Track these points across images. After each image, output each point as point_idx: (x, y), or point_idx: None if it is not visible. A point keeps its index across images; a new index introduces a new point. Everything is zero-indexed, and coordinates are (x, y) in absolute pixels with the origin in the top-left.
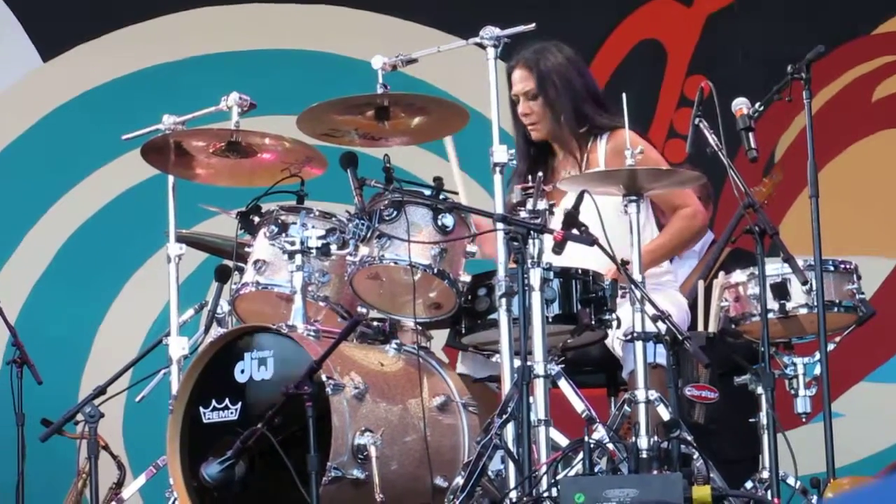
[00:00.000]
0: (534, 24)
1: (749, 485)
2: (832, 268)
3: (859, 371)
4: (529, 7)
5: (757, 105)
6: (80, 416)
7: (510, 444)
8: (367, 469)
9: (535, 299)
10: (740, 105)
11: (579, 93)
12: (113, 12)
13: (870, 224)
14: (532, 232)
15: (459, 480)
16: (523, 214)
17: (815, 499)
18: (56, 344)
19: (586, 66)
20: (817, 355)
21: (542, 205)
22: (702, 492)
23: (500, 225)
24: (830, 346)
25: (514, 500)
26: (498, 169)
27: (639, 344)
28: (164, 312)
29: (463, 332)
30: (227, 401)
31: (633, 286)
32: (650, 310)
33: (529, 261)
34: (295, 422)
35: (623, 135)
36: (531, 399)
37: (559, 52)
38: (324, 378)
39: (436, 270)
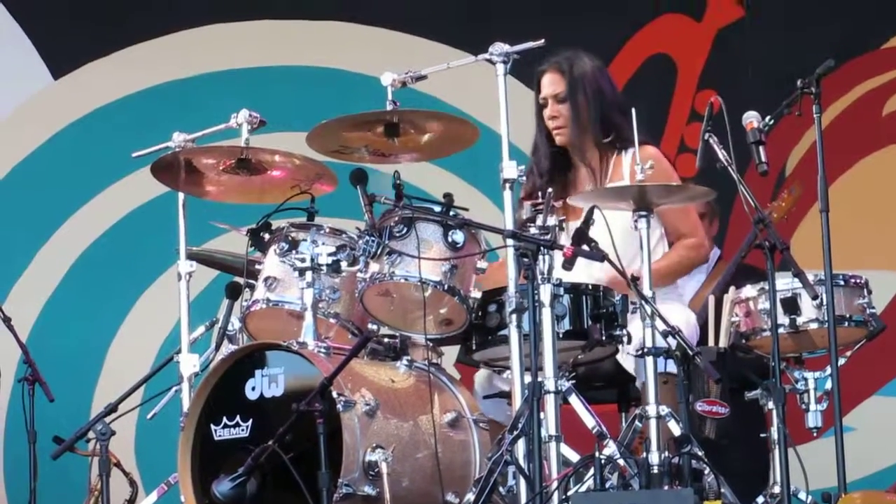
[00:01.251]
0: (543, 41)
1: (760, 500)
2: (842, 282)
3: (870, 385)
4: (539, 22)
5: (767, 119)
6: (91, 434)
7: (521, 461)
8: (379, 486)
9: (546, 315)
10: (750, 119)
11: (609, 101)
12: (123, 30)
13: (880, 238)
14: (542, 248)
15: (471, 497)
16: (533, 230)
17: None
18: (67, 361)
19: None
20: (828, 370)
21: (552, 221)
22: None
23: (510, 241)
24: (841, 361)
25: None
26: (508, 185)
27: (650, 359)
28: (175, 330)
29: (474, 348)
30: (238, 418)
31: (643, 301)
32: (661, 325)
33: (540, 277)
34: (306, 439)
35: (648, 151)
36: (542, 415)
37: (590, 60)
38: (335, 395)
39: (446, 287)
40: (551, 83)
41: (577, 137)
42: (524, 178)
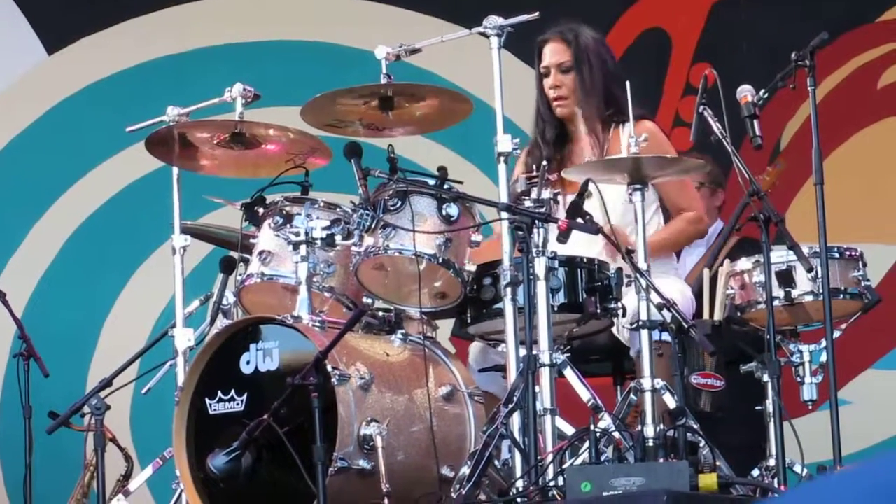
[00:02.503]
0: (538, 13)
1: (755, 473)
2: (837, 255)
3: (866, 358)
4: None
5: (761, 93)
6: (86, 409)
7: (516, 434)
8: (374, 459)
9: (541, 288)
10: (745, 92)
11: (612, 73)
12: (117, 5)
13: (875, 211)
14: (537, 221)
15: (466, 470)
16: (528, 204)
17: None
18: (62, 337)
19: None
20: (823, 343)
21: (546, 194)
22: (708, 480)
23: (504, 214)
24: (836, 334)
25: (520, 489)
26: (502, 158)
27: (644, 332)
28: (170, 304)
29: (468, 321)
30: (232, 392)
31: (638, 274)
32: (655, 298)
33: (534, 250)
34: (301, 413)
35: (645, 125)
36: (537, 388)
37: (592, 31)
38: (329, 369)
39: (441, 260)
40: (555, 52)
41: (584, 107)
42: (518, 151)
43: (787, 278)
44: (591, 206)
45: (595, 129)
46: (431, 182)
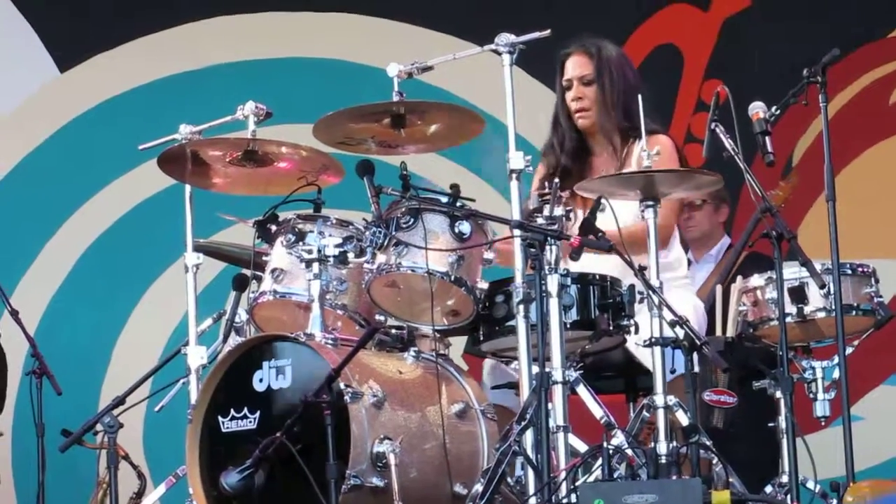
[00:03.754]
0: (549, 31)
1: (769, 489)
2: (850, 271)
3: (878, 374)
4: (545, 13)
5: (773, 109)
6: (99, 427)
7: (529, 451)
8: (387, 477)
9: (553, 305)
10: (756, 109)
11: (633, 87)
12: (129, 23)
13: (888, 227)
14: (549, 238)
15: (479, 487)
16: (540, 221)
17: (834, 503)
18: (75, 354)
19: None
20: (836, 359)
21: (558, 211)
22: (721, 497)
23: (517, 231)
24: (849, 350)
25: None
26: (514, 175)
27: (657, 349)
28: (183, 322)
29: (481, 338)
30: (245, 410)
31: (650, 291)
32: (668, 315)
33: (547, 267)
34: (314, 430)
35: (660, 140)
36: (550, 405)
37: (614, 46)
38: (342, 386)
39: (453, 278)
40: (578, 65)
41: (600, 121)
42: (530, 168)
43: (799, 295)
44: (602, 220)
45: (614, 141)
46: (444, 199)
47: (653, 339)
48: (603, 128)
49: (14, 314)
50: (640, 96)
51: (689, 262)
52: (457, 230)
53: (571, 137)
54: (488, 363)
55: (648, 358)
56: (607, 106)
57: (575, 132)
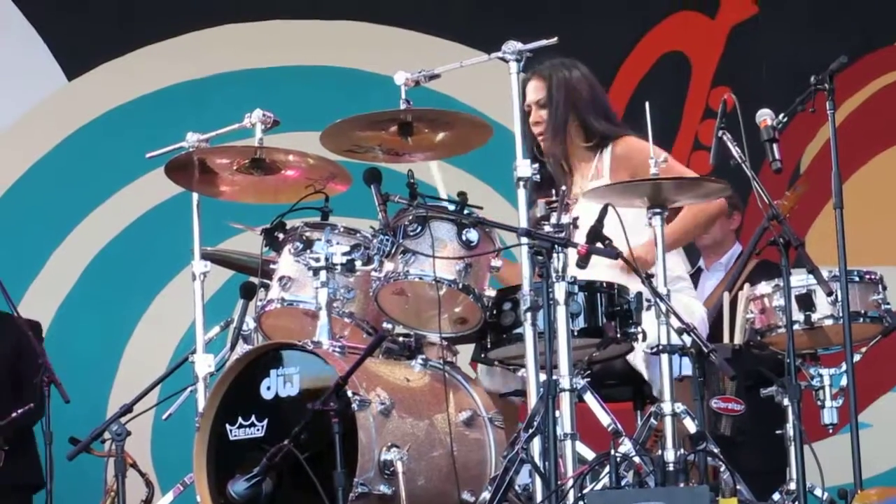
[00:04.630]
0: (556, 38)
1: (776, 497)
2: (857, 278)
3: (886, 382)
4: (553, 21)
5: (780, 117)
6: (107, 435)
7: (537, 459)
8: (394, 484)
9: (561, 313)
10: (764, 116)
11: (587, 106)
12: (136, 31)
13: (895, 234)
14: (556, 246)
15: (486, 495)
16: (548, 229)
17: None
18: (83, 362)
19: (601, 85)
20: (843, 366)
21: (566, 219)
22: None
23: (524, 239)
24: (856, 357)
25: None
26: (522, 183)
27: (664, 357)
28: (191, 330)
29: (489, 346)
30: (253, 417)
31: (657, 299)
32: (675, 322)
33: (554, 275)
34: (321, 438)
35: (628, 141)
36: (557, 413)
37: (575, 68)
38: (350, 394)
39: (461, 285)
40: (534, 90)
41: (557, 143)
42: (537, 176)
43: (806, 302)
44: (609, 228)
45: (577, 163)
46: (451, 207)
47: (660, 347)
48: (555, 150)
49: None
50: (647, 104)
51: (700, 270)
52: (464, 238)
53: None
54: (481, 369)
55: (644, 368)
56: (554, 127)
57: (543, 154)
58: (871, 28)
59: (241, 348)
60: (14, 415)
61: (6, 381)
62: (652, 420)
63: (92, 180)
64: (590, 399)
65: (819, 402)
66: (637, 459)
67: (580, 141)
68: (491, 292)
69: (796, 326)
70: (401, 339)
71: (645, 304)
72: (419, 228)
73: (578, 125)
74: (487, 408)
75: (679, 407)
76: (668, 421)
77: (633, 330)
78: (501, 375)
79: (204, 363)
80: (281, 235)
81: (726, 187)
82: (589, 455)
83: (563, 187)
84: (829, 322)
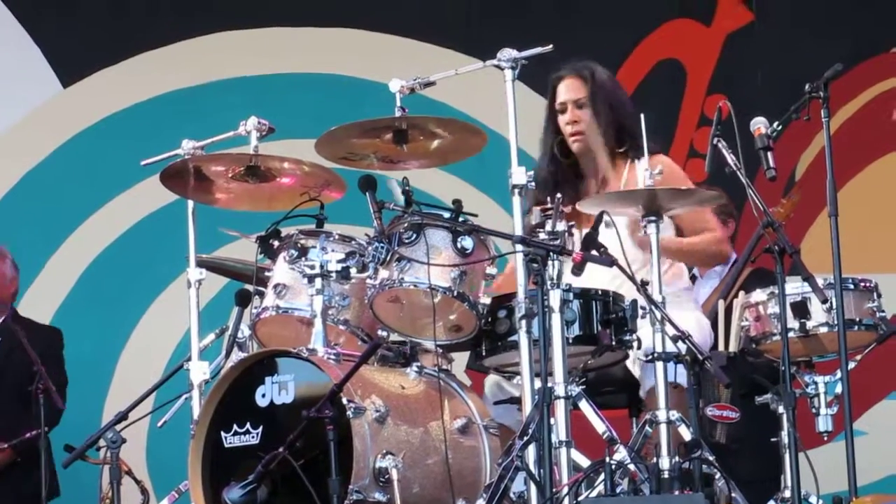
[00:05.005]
0: (551, 46)
1: None
2: (852, 286)
3: (881, 389)
4: (548, 28)
5: (775, 125)
6: (102, 442)
7: (532, 466)
8: (389, 492)
9: (556, 321)
10: (758, 125)
11: (626, 111)
12: (132, 38)
13: (890, 242)
14: (551, 253)
15: (481, 503)
16: (543, 236)
17: None
18: (78, 369)
19: None
20: (838, 374)
21: (561, 226)
22: None
23: (519, 247)
24: (851, 365)
25: None
26: (517, 190)
27: (659, 364)
28: (186, 337)
29: (484, 354)
30: (248, 425)
31: (652, 306)
32: (671, 330)
33: (549, 282)
34: (316, 445)
35: (660, 159)
36: (552, 420)
37: (605, 70)
38: (345, 401)
39: (456, 293)
40: (571, 88)
41: (594, 143)
42: (532, 184)
43: (801, 309)
44: (605, 236)
45: (606, 164)
46: (446, 215)
47: (655, 355)
48: (596, 151)
49: (18, 329)
50: (641, 115)
51: (694, 278)
52: (459, 245)
53: (565, 163)
54: (490, 380)
55: (645, 380)
56: (601, 128)
57: (564, 157)
58: (866, 36)
59: (237, 355)
60: (27, 436)
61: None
62: (647, 427)
63: (87, 187)
64: (585, 406)
65: (814, 410)
66: (632, 467)
67: (613, 142)
68: (486, 300)
69: (791, 334)
70: (396, 346)
71: (640, 311)
72: (414, 236)
73: (616, 127)
74: (482, 415)
75: (674, 414)
76: (663, 428)
77: (627, 337)
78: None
79: (199, 370)
80: (276, 243)
81: (721, 195)
82: (584, 462)
83: (559, 195)
84: (824, 329)
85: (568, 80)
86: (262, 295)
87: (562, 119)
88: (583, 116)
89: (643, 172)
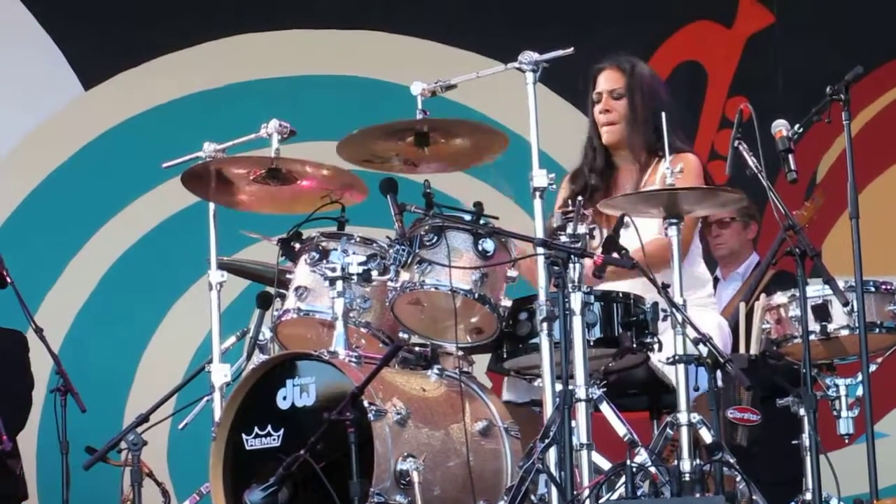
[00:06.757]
0: (572, 48)
1: None
2: (873, 289)
3: None
4: (569, 31)
5: (796, 127)
6: (123, 444)
7: (553, 469)
8: (410, 494)
9: (577, 323)
10: (779, 127)
11: (664, 106)
12: (153, 41)
13: None
14: (572, 256)
15: None
16: (564, 239)
17: None
18: (100, 372)
19: None
20: (860, 376)
21: (582, 229)
22: None
23: (540, 249)
24: (872, 367)
25: None
26: (538, 193)
27: (681, 367)
28: (207, 340)
29: (504, 356)
30: (269, 427)
31: (674, 309)
32: (691, 333)
33: (570, 285)
34: (337, 448)
35: (686, 158)
36: (573, 423)
37: (647, 66)
38: (366, 404)
39: (477, 295)
40: (609, 79)
41: (626, 136)
42: (553, 186)
43: (822, 312)
44: (626, 236)
45: (639, 158)
46: (467, 217)
47: (676, 357)
48: (630, 143)
49: (38, 331)
50: (664, 114)
51: (717, 280)
52: (480, 248)
53: (600, 153)
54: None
55: (671, 374)
56: (636, 121)
57: (603, 148)
58: (888, 38)
59: (258, 358)
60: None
61: None
62: (668, 430)
63: (108, 190)
64: (606, 409)
65: (835, 412)
66: (653, 469)
67: (649, 137)
68: (507, 302)
69: (812, 337)
70: (417, 348)
71: (661, 314)
72: (435, 238)
73: (652, 121)
74: (503, 417)
75: (695, 417)
76: (683, 431)
77: (648, 340)
78: (525, 388)
79: (220, 373)
80: (297, 245)
81: (742, 197)
82: (605, 465)
83: (580, 198)
84: (844, 332)
85: (608, 71)
86: (283, 297)
87: (596, 108)
88: (617, 107)
89: (664, 171)
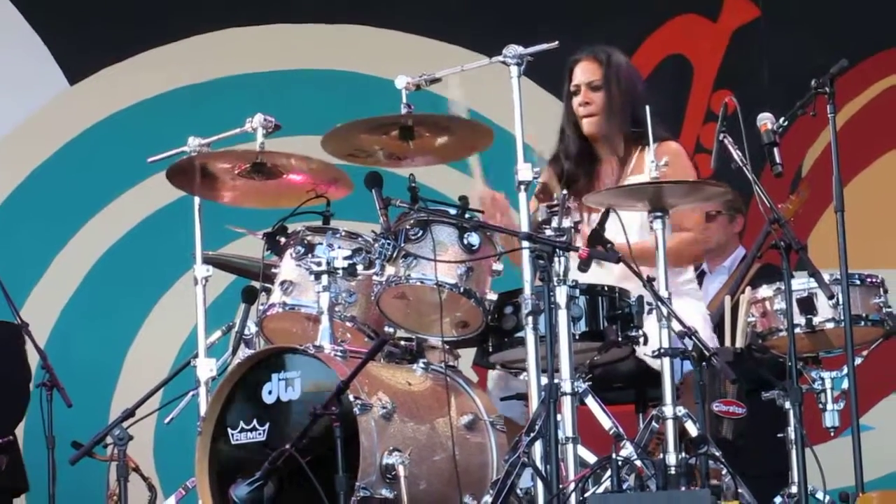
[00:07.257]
0: (557, 42)
1: (778, 500)
2: (858, 281)
3: (888, 384)
4: (554, 24)
5: (781, 120)
6: (109, 439)
7: (538, 462)
8: (396, 489)
9: (562, 317)
10: (764, 120)
11: (640, 96)
12: (138, 35)
13: None
14: (557, 250)
15: (488, 499)
16: (549, 233)
17: None
18: (85, 367)
19: None
20: (845, 369)
21: (567, 222)
22: None
23: (525, 243)
24: (858, 360)
25: None
26: (523, 187)
27: (666, 360)
28: (193, 334)
29: (490, 350)
30: (255, 422)
31: (659, 302)
32: (677, 326)
33: (555, 278)
34: (323, 442)
35: (669, 146)
36: (559, 417)
37: (624, 55)
38: (351, 398)
39: (462, 289)
40: (586, 71)
41: (605, 127)
42: (538, 180)
43: (808, 305)
44: (610, 230)
45: (619, 148)
46: (452, 211)
47: (661, 350)
48: (609, 134)
49: (24, 326)
50: (647, 107)
51: (703, 273)
52: (466, 242)
53: (577, 144)
54: (494, 374)
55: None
56: (614, 112)
57: (580, 139)
58: (872, 31)
59: (243, 352)
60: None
61: None
62: (653, 423)
63: (94, 185)
64: (591, 402)
65: (820, 405)
66: (638, 463)
67: (627, 127)
68: (492, 296)
69: (797, 330)
70: (402, 342)
71: (646, 307)
72: (420, 232)
73: (630, 111)
74: (489, 411)
75: (680, 410)
76: (669, 424)
77: (634, 333)
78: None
79: (206, 367)
80: (282, 239)
81: (727, 191)
82: (590, 459)
83: (564, 192)
84: (830, 325)
85: (584, 62)
86: (268, 292)
87: (575, 101)
88: (595, 99)
89: (649, 164)
